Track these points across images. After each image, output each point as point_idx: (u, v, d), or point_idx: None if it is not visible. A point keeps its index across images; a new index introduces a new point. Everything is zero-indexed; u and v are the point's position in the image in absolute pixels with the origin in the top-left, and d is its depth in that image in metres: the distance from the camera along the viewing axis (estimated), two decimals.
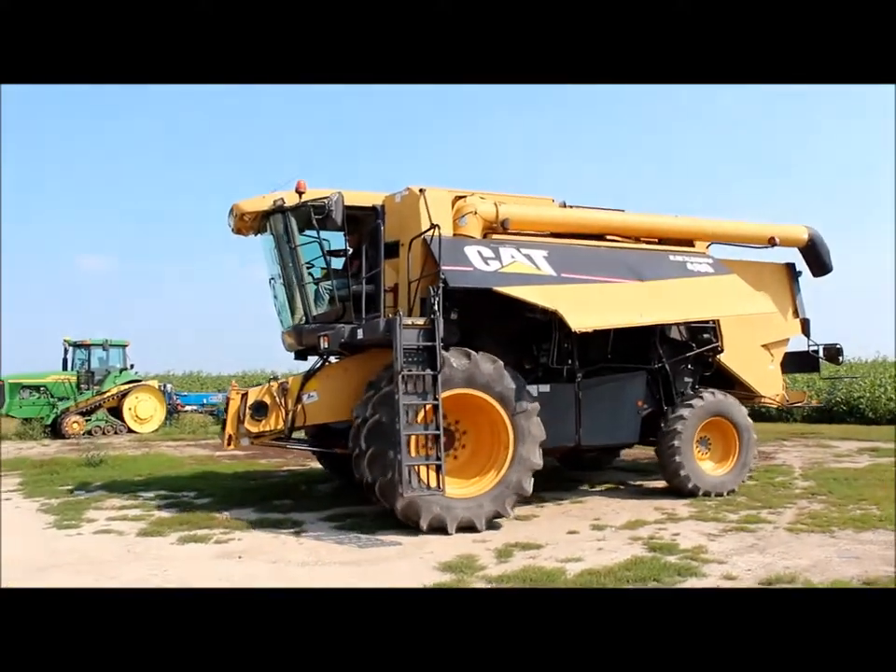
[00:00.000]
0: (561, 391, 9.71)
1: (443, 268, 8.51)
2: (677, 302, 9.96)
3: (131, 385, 23.08)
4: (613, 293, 9.55)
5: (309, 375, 9.47)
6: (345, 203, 8.81)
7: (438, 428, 8.00)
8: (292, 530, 8.33)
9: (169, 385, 26.14)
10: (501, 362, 8.67)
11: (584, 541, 7.71)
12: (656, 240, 10.79)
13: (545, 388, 9.55)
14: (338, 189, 8.89)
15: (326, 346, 9.15)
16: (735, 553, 7.04)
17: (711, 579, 6.18)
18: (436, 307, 8.29)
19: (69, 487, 11.71)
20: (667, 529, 8.17)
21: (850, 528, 7.98)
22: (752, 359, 11.28)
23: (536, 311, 9.13)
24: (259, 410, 9.13)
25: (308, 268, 9.54)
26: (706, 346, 10.80)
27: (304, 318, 9.50)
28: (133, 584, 6.21)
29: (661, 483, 11.29)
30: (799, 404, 12.81)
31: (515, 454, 8.57)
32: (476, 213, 9.20)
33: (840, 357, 12.15)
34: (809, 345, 12.04)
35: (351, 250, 9.63)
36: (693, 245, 10.97)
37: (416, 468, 7.92)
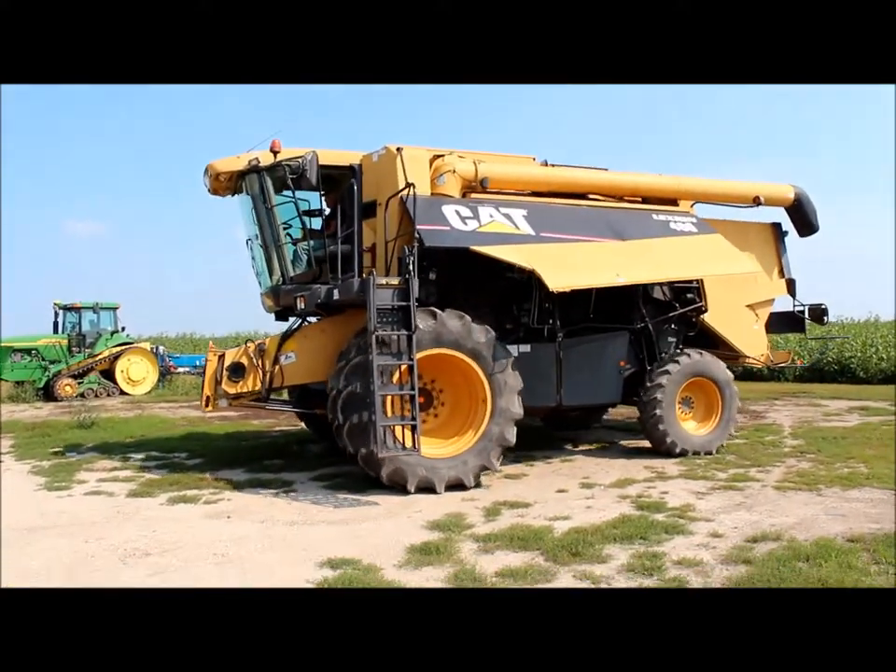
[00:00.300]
0: (542, 351, 9.69)
1: (419, 227, 8.42)
2: (657, 262, 9.84)
3: (123, 348, 23.01)
4: (592, 252, 9.44)
5: (286, 336, 9.44)
6: (322, 163, 8.70)
7: (413, 389, 7.98)
8: (282, 490, 8.36)
9: (161, 347, 26.05)
10: (469, 318, 8.57)
11: (573, 500, 7.75)
12: (640, 199, 10.69)
13: (525, 348, 9.53)
14: (314, 148, 8.76)
15: (302, 307, 9.10)
16: (723, 511, 7.08)
17: (698, 536, 6.23)
18: (410, 267, 8.22)
19: (60, 449, 11.72)
20: (656, 488, 8.22)
21: (837, 486, 8.02)
22: (737, 319, 11.25)
23: (515, 271, 9.07)
24: (237, 371, 9.09)
25: (285, 228, 9.42)
26: (689, 306, 10.79)
27: (281, 279, 9.42)
28: (122, 544, 6.25)
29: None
30: (783, 364, 12.82)
31: (494, 406, 8.56)
32: (454, 172, 9.06)
33: (825, 318, 12.08)
34: (795, 306, 12.00)
35: (328, 210, 9.54)
36: (678, 205, 10.86)
37: (392, 428, 7.88)
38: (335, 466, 9.50)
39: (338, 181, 9.35)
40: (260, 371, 9.12)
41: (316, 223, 9.58)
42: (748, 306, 11.39)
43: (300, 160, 8.56)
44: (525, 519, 6.94)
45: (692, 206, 11.13)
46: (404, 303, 8.14)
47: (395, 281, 8.30)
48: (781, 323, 12.26)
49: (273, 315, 10.78)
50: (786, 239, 12.01)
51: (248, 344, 9.33)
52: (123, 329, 23.84)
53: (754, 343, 11.52)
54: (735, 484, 8.25)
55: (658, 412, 9.97)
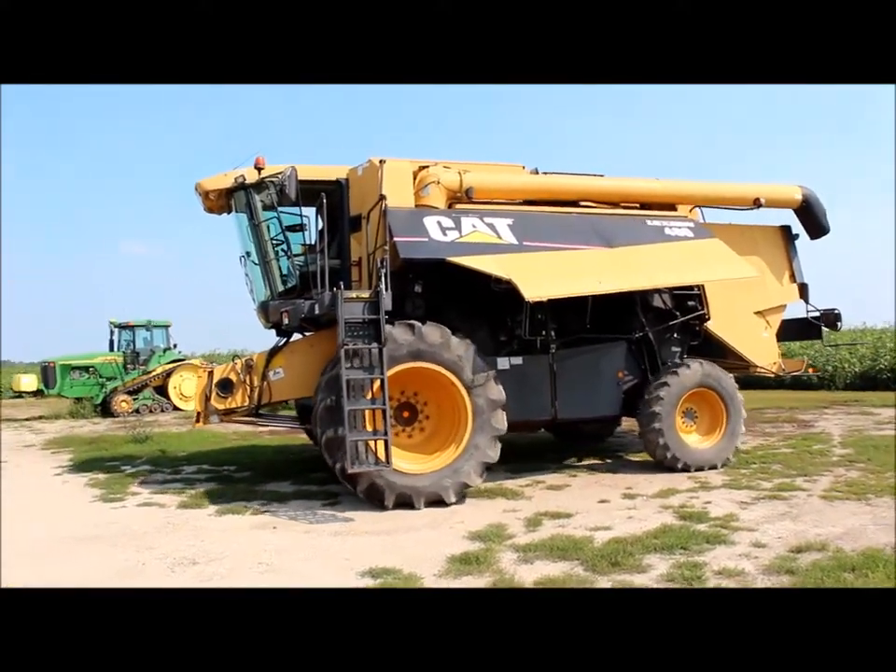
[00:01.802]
0: (534, 363, 9.52)
1: (396, 239, 8.41)
2: (648, 268, 9.48)
3: (175, 364, 23.56)
4: (576, 260, 9.16)
5: (274, 352, 9.45)
6: (309, 178, 8.81)
7: (384, 403, 7.87)
8: (326, 501, 8.51)
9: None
10: (448, 331, 8.48)
11: (615, 510, 7.74)
12: (637, 205, 10.43)
13: (517, 361, 9.38)
14: (301, 163, 8.83)
15: (286, 322, 9.06)
16: (766, 521, 7.00)
17: (741, 546, 6.17)
18: (382, 279, 8.19)
19: (116, 463, 12.08)
20: (699, 498, 8.15)
21: (888, 496, 7.85)
22: (744, 327, 10.83)
23: (495, 281, 8.81)
24: (225, 387, 9.20)
25: (277, 244, 9.42)
26: (690, 314, 10.43)
27: (270, 295, 9.46)
28: (171, 554, 6.44)
29: None
30: (797, 372, 12.21)
31: (475, 421, 8.43)
32: (439, 182, 9.02)
33: (839, 323, 11.52)
34: (808, 311, 11.49)
35: (306, 225, 9.46)
36: (675, 209, 10.58)
37: (367, 443, 7.85)
38: None
39: (329, 195, 9.31)
40: (248, 387, 9.21)
41: (298, 238, 9.54)
42: (756, 313, 10.95)
43: (279, 175, 8.63)
44: (566, 529, 6.95)
45: (690, 210, 10.83)
46: (375, 316, 8.06)
47: (365, 294, 8.24)
48: (795, 330, 11.78)
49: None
50: (797, 242, 11.51)
51: (236, 360, 9.45)
52: (175, 346, 24.43)
53: (764, 352, 11.07)
54: (780, 494, 8.13)
55: (657, 425, 9.63)
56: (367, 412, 7.94)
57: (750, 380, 18.91)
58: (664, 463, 9.74)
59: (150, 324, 23.88)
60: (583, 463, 10.63)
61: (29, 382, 23.50)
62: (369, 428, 7.92)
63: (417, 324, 8.40)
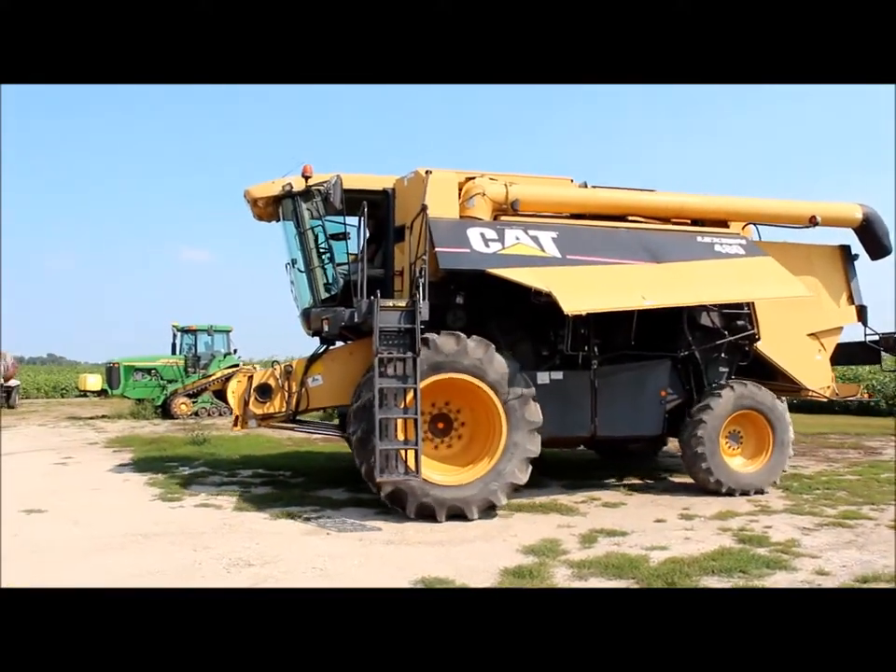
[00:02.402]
0: (575, 378, 9.37)
1: (437, 250, 8.37)
2: (694, 285, 9.22)
3: (235, 369, 23.96)
4: (619, 275, 8.98)
5: (314, 359, 9.48)
6: (359, 188, 8.87)
7: (416, 413, 7.82)
8: (380, 510, 8.50)
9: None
10: (493, 346, 8.40)
11: (671, 530, 7.59)
12: (688, 222, 10.19)
13: (557, 376, 9.24)
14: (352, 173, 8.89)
15: (327, 329, 9.04)
16: (830, 549, 6.78)
17: (802, 573, 5.98)
18: (420, 289, 8.16)
19: (175, 464, 12.33)
20: (759, 521, 7.94)
21: None
22: (796, 349, 10.46)
23: (535, 295, 8.64)
24: (264, 392, 9.28)
25: (322, 252, 9.45)
26: (739, 334, 10.11)
27: (313, 302, 9.47)
28: (227, 554, 6.53)
29: None
30: (852, 397, 11.77)
31: (508, 441, 8.27)
32: (484, 194, 8.97)
33: None
34: (867, 334, 10.99)
35: (349, 234, 9.48)
36: (728, 226, 10.31)
37: (398, 452, 7.80)
38: None
39: (378, 205, 9.38)
40: (286, 393, 9.26)
41: (343, 247, 9.58)
42: (810, 335, 10.58)
43: (325, 184, 8.66)
44: (622, 547, 6.84)
45: (743, 228, 10.55)
46: (410, 325, 8.03)
47: (402, 303, 8.24)
48: (852, 354, 11.32)
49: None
50: (856, 263, 11.07)
51: (276, 366, 9.51)
52: (235, 351, 24.87)
53: (816, 375, 10.64)
54: (845, 521, 7.87)
55: (699, 449, 9.38)
56: (399, 421, 7.92)
57: (813, 405, 18.48)
58: (707, 487, 9.48)
59: (212, 329, 24.36)
60: (638, 481, 10.45)
61: (94, 382, 24.21)
62: (400, 437, 7.90)
63: (462, 335, 8.35)
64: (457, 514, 8.05)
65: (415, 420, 7.81)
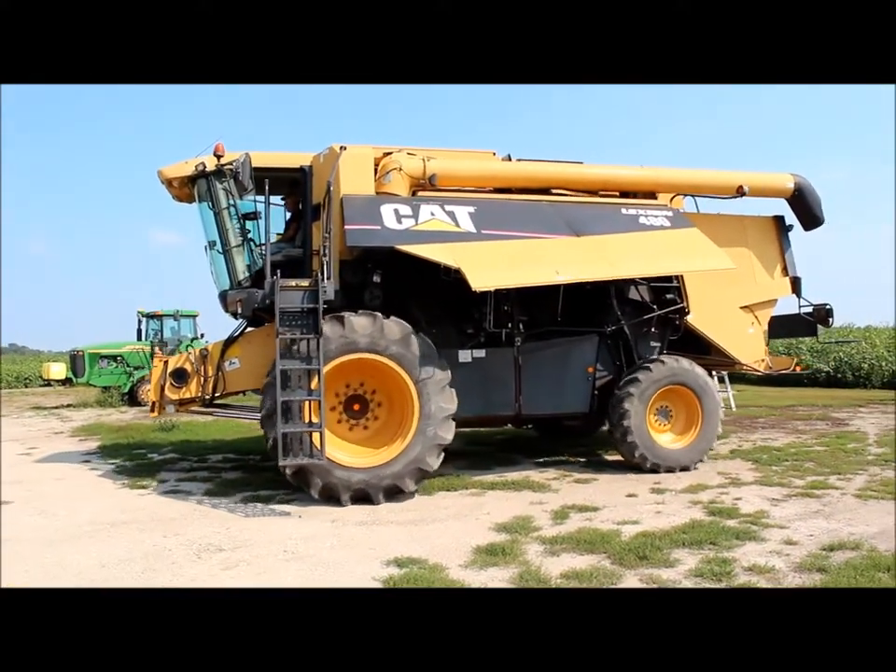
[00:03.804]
0: (498, 356, 9.26)
1: (346, 227, 8.25)
2: (613, 258, 8.99)
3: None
4: (535, 249, 8.76)
5: (230, 342, 9.27)
6: (274, 165, 8.76)
7: (320, 395, 7.68)
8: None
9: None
10: (410, 327, 8.23)
11: (643, 504, 7.65)
12: (617, 194, 10.03)
13: (480, 354, 9.16)
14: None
15: (240, 311, 8.85)
16: (799, 519, 6.88)
17: (771, 543, 6.07)
18: (324, 268, 8.08)
19: (143, 451, 12.17)
20: (729, 494, 8.03)
21: None
22: (728, 322, 10.36)
23: (445, 271, 8.49)
24: (179, 377, 9.08)
25: (241, 233, 9.15)
26: (668, 307, 10.02)
27: (230, 284, 9.22)
28: (197, 540, 6.45)
29: (726, 448, 11.12)
30: (785, 371, 11.60)
31: (420, 426, 8.10)
32: (401, 169, 8.81)
33: (830, 319, 10.80)
34: (801, 306, 10.88)
35: (259, 213, 9.18)
36: (656, 198, 10.14)
37: (302, 434, 7.72)
38: None
39: (297, 183, 9.20)
40: (202, 377, 9.08)
41: (259, 227, 9.28)
42: (743, 308, 10.50)
43: (234, 163, 8.44)
44: (593, 522, 6.88)
45: (672, 199, 10.33)
46: (314, 305, 7.91)
47: (305, 283, 8.11)
48: (787, 326, 11.28)
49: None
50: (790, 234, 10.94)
51: (191, 350, 9.32)
52: (203, 335, 24.54)
53: (749, 349, 10.58)
54: (812, 492, 7.99)
55: (626, 423, 9.28)
56: (305, 403, 7.79)
57: (785, 378, 18.73)
58: (631, 462, 9.43)
59: (178, 313, 24.01)
60: (609, 457, 10.51)
61: (58, 370, 23.80)
62: (305, 420, 7.78)
63: (348, 315, 8.11)
64: (363, 497, 7.89)
65: (319, 402, 7.69)
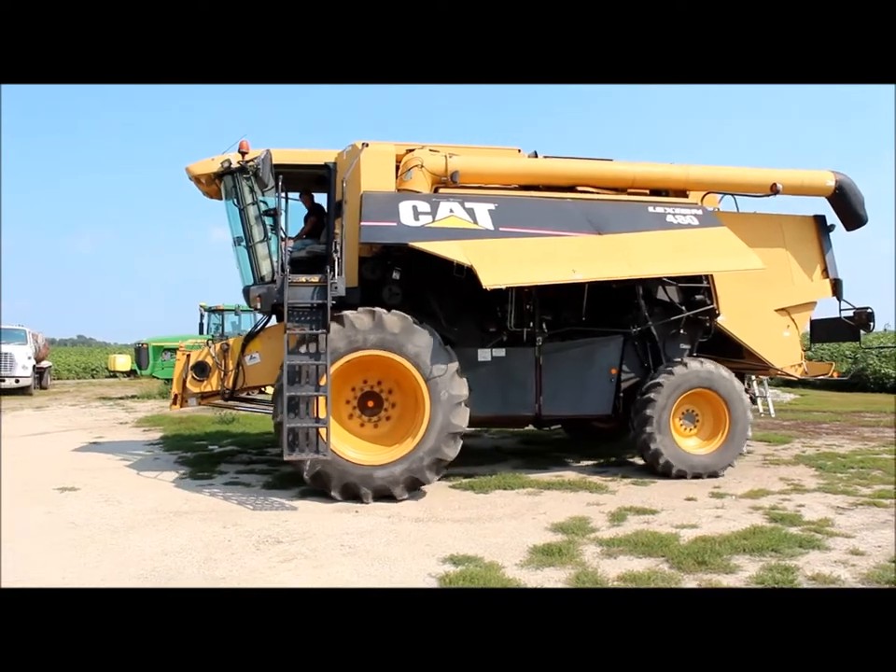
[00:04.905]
0: (519, 356, 9.14)
1: (361, 223, 8.24)
2: (635, 257, 8.77)
3: None
4: (554, 247, 8.62)
5: (251, 336, 9.33)
6: (300, 162, 8.85)
7: (327, 391, 7.67)
8: None
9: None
10: (410, 318, 8.16)
11: (702, 508, 7.52)
12: (647, 192, 9.79)
13: (500, 353, 9.05)
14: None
15: (259, 307, 8.93)
16: (865, 528, 6.67)
17: (836, 552, 5.90)
18: (336, 264, 8.06)
19: (204, 442, 12.44)
20: (792, 500, 7.83)
21: None
22: (762, 325, 9.93)
23: (457, 268, 8.44)
24: (201, 370, 9.16)
25: (265, 229, 9.09)
26: (697, 309, 9.71)
27: (253, 279, 9.23)
28: (256, 532, 6.57)
29: (789, 454, 10.86)
30: (822, 376, 11.08)
31: (432, 416, 8.03)
32: (422, 166, 8.76)
33: (871, 324, 10.30)
34: (842, 310, 10.37)
35: (280, 210, 9.16)
36: (687, 196, 9.88)
37: (310, 430, 7.68)
38: (463, 466, 9.54)
39: (323, 180, 9.21)
40: (223, 371, 9.13)
41: (279, 223, 9.27)
42: (779, 310, 10.06)
43: (255, 159, 8.46)
44: (651, 525, 6.79)
45: (703, 197, 10.05)
46: (322, 301, 7.88)
47: (315, 279, 8.08)
48: (827, 330, 10.81)
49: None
50: (831, 234, 10.46)
51: (213, 344, 9.38)
52: None
53: (784, 352, 10.09)
54: (880, 501, 7.74)
55: (649, 428, 9.01)
56: (313, 399, 7.81)
57: (852, 383, 18.15)
58: (656, 468, 9.16)
59: (239, 308, 24.40)
60: None
61: (124, 362, 24.47)
62: (314, 415, 7.78)
63: (379, 310, 8.13)
64: (385, 495, 7.90)
65: (326, 398, 7.70)
